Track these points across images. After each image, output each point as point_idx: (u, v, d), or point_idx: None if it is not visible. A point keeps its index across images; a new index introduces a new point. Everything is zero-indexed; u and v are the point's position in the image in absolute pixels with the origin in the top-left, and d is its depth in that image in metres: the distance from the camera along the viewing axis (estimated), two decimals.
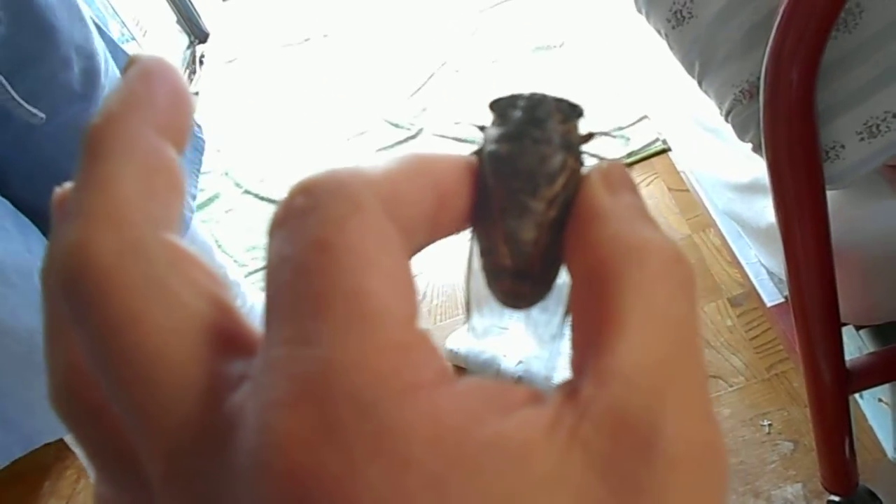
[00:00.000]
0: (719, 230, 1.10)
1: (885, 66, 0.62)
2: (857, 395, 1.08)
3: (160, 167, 0.17)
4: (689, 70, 0.72)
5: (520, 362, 1.30)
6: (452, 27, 2.50)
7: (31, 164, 0.79)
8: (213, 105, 2.58)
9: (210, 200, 2.10)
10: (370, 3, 2.81)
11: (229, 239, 1.94)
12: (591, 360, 0.15)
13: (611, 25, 1.72)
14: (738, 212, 0.91)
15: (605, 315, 0.16)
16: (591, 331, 0.16)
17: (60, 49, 0.76)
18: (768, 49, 0.59)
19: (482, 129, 0.20)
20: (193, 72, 2.83)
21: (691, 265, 0.16)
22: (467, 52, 2.36)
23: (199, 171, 0.99)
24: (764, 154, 0.66)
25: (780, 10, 0.57)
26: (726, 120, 0.72)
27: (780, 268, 0.84)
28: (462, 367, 1.32)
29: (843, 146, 0.66)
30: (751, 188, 0.86)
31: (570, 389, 0.15)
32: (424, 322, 0.17)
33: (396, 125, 2.16)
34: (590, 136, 0.20)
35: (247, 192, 2.11)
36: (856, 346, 0.94)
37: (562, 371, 1.25)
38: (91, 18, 0.85)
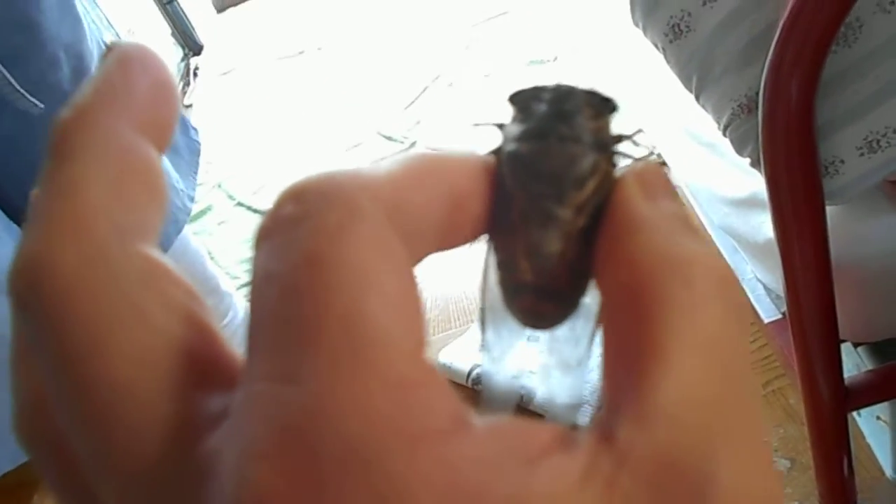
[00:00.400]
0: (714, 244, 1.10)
1: (885, 81, 0.62)
2: (855, 413, 1.07)
3: (136, 169, 0.14)
4: (687, 84, 0.72)
5: (541, 391, 1.27)
6: (446, 41, 2.50)
7: (21, 168, 0.78)
8: (206, 117, 2.57)
9: (202, 212, 2.09)
10: (365, 17, 2.81)
11: (222, 251, 1.92)
12: (629, 396, 0.13)
13: (605, 40, 1.72)
14: (735, 227, 0.90)
15: (644, 342, 0.13)
16: (628, 360, 0.13)
17: (47, 47, 0.75)
18: (767, 63, 0.59)
19: (501, 126, 0.18)
20: (187, 84, 2.82)
21: (741, 286, 0.14)
22: (461, 66, 2.36)
23: (196, 173, 0.97)
24: (762, 169, 0.65)
25: (780, 25, 0.57)
26: (724, 134, 0.71)
27: (777, 284, 0.83)
28: (457, 383, 1.31)
29: (842, 161, 0.66)
30: (747, 203, 0.85)
31: (604, 431, 0.13)
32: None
33: (390, 138, 2.16)
34: (624, 135, 0.17)
35: (239, 204, 2.10)
36: (854, 363, 0.93)
37: (589, 402, 1.23)
38: (90, 19, 0.83)
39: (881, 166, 0.65)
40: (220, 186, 2.18)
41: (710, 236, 1.09)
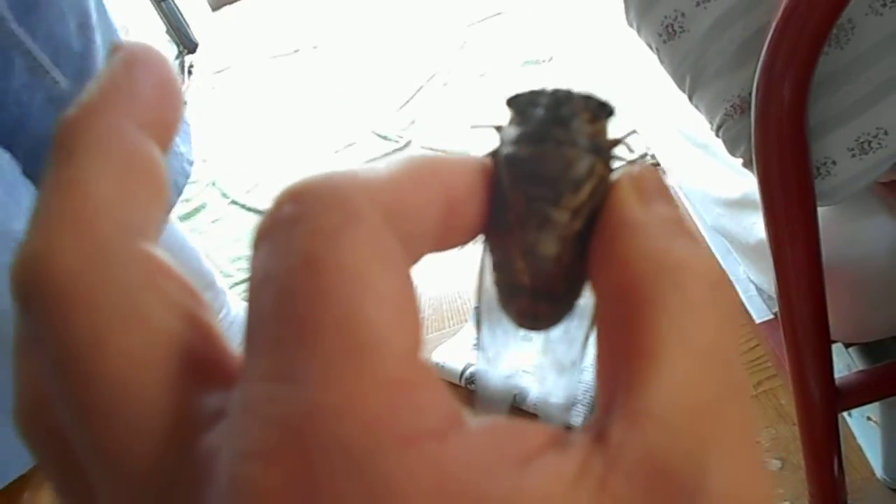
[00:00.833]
0: (708, 246, 1.10)
1: (877, 83, 0.62)
2: (845, 414, 1.08)
3: (139, 167, 0.15)
4: (680, 84, 0.72)
5: (535, 391, 1.27)
6: (441, 40, 2.50)
7: (33, 137, 0.76)
8: (201, 115, 2.57)
9: (196, 210, 2.08)
10: (360, 16, 2.81)
11: (215, 249, 1.92)
12: (621, 397, 0.13)
13: (600, 40, 1.73)
14: (727, 227, 0.91)
15: (637, 344, 0.14)
16: (621, 362, 0.14)
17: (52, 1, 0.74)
18: (760, 64, 0.59)
19: (498, 129, 0.18)
20: (182, 82, 2.82)
21: (734, 290, 0.15)
22: (456, 66, 2.36)
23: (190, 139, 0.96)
24: (754, 169, 0.66)
25: (772, 26, 0.57)
26: (717, 135, 0.72)
27: (769, 284, 0.83)
28: (450, 382, 1.31)
29: (834, 162, 0.66)
30: (740, 204, 0.86)
31: (597, 432, 0.13)
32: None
33: (385, 137, 2.16)
34: (620, 139, 0.18)
35: (234, 202, 2.09)
36: (845, 363, 0.93)
37: (582, 402, 1.23)
38: None
39: (873, 167, 0.66)
40: (214, 184, 2.17)
41: (703, 238, 1.10)
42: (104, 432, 0.13)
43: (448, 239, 0.16)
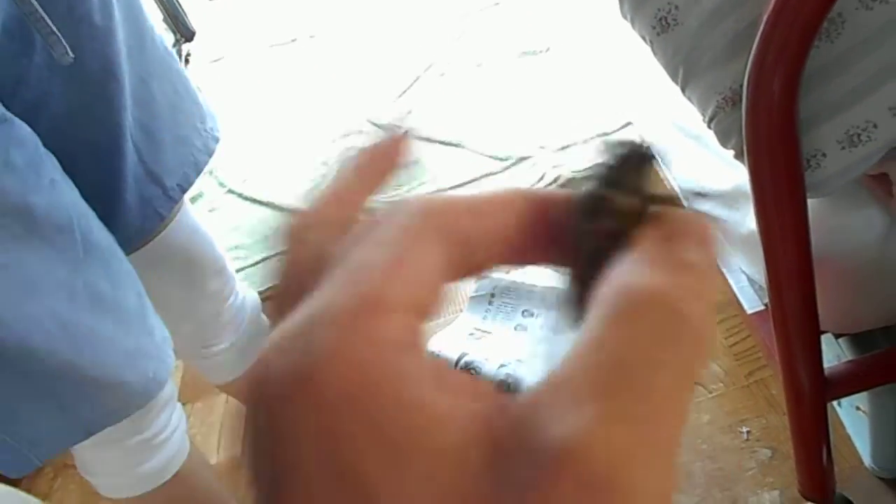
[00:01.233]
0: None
1: (867, 76, 0.63)
2: (835, 403, 1.09)
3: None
4: (673, 76, 0.72)
5: (503, 365, 1.30)
6: (438, 30, 2.50)
7: (54, 115, 0.74)
8: None
9: (193, 199, 2.08)
10: (357, 5, 2.80)
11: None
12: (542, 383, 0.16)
13: (597, 31, 1.73)
14: (720, 218, 0.91)
15: (581, 337, 0.16)
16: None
17: None
18: (751, 58, 0.60)
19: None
20: None
21: (685, 317, 0.16)
22: (453, 56, 2.36)
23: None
24: (745, 161, 0.66)
25: (763, 19, 0.58)
26: (709, 126, 0.72)
27: (760, 275, 0.84)
28: None
29: (824, 155, 0.67)
30: (732, 195, 0.87)
31: (514, 396, 0.16)
32: None
33: (381, 127, 2.16)
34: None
35: (230, 191, 2.09)
36: (834, 354, 0.94)
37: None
38: None
39: (862, 160, 0.66)
40: (211, 174, 2.17)
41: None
42: None
43: (519, 255, 0.19)
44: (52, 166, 0.71)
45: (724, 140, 0.72)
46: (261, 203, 2.01)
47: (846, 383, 0.86)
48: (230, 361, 1.07)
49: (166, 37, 2.89)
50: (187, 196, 0.94)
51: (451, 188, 1.85)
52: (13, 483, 1.48)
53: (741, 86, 0.63)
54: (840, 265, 0.77)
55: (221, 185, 2.12)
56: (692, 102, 0.73)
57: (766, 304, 0.96)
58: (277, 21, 2.90)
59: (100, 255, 0.73)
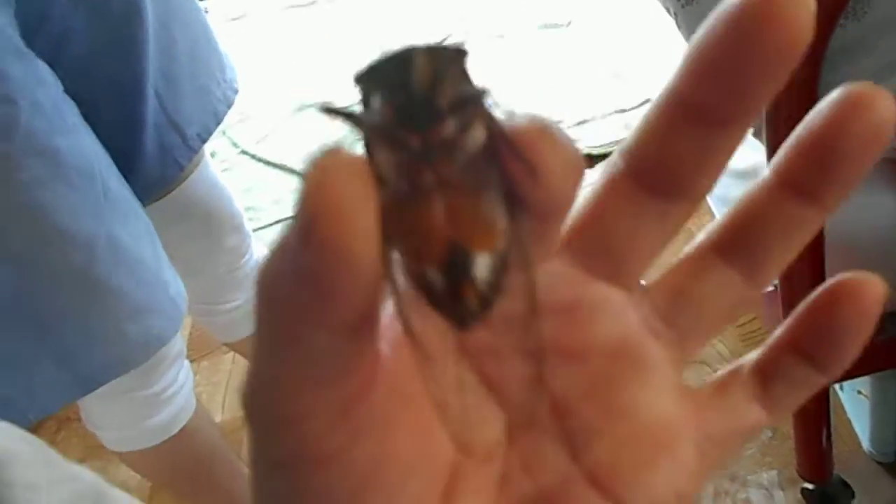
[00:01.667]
0: (714, 216, 1.11)
1: (892, 57, 0.62)
2: (836, 387, 1.10)
3: None
4: None
5: None
6: (459, 0, 2.48)
7: (76, 56, 0.73)
8: None
9: None
10: None
11: None
12: None
13: (619, 6, 1.71)
14: (735, 198, 0.91)
15: None
16: None
17: None
18: None
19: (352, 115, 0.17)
20: None
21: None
22: (473, 26, 2.34)
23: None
24: (764, 140, 0.66)
25: None
26: None
27: None
28: None
29: None
30: (749, 175, 0.86)
31: None
32: None
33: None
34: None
35: (244, 152, 2.10)
36: None
37: None
38: None
39: None
40: (224, 133, 2.17)
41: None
42: None
43: None
44: (73, 111, 0.70)
45: None
46: (274, 165, 2.02)
47: (848, 367, 0.86)
48: (241, 319, 1.08)
49: None
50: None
51: None
52: (52, 430, 1.50)
53: None
54: (850, 248, 0.77)
55: (235, 145, 2.12)
56: None
57: (775, 286, 0.96)
58: None
59: (119, 205, 0.73)
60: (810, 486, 0.97)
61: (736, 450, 0.21)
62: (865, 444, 1.06)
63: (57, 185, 0.66)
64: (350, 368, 0.15)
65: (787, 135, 0.65)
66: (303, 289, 0.13)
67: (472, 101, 0.15)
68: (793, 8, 0.15)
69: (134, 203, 0.76)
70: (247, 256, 1.05)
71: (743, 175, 0.88)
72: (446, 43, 0.16)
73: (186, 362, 0.92)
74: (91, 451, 1.36)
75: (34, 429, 1.50)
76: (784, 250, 0.20)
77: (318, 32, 2.55)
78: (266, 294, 0.14)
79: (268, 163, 2.03)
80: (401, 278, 0.15)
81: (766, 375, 0.21)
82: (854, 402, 1.08)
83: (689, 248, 0.21)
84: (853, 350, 0.19)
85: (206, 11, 2.84)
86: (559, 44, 2.15)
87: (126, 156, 0.78)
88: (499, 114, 0.15)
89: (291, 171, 1.97)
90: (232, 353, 1.50)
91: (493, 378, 0.20)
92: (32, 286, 0.69)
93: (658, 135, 0.18)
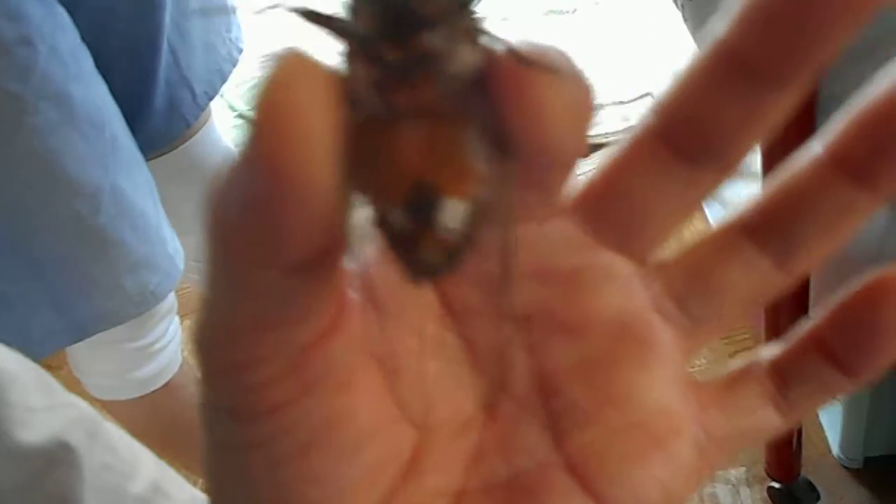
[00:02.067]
0: (704, 214, 1.11)
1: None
2: None
3: None
4: (700, 44, 0.72)
5: None
6: None
7: (92, 7, 0.71)
8: None
9: None
10: None
11: None
12: None
13: None
14: (726, 197, 0.92)
15: None
16: None
17: None
18: None
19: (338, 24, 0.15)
20: None
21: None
22: (478, 7, 2.32)
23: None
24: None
25: None
26: None
27: None
28: None
29: None
30: (740, 174, 0.87)
31: None
32: None
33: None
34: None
35: (240, 116, 2.08)
36: None
37: None
38: None
39: None
40: (221, 96, 2.15)
41: None
42: None
43: None
44: (88, 59, 0.70)
45: None
46: None
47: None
48: None
49: None
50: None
51: None
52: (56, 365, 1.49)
53: None
54: (838, 259, 0.78)
55: (232, 108, 2.11)
56: None
57: None
58: None
59: (124, 156, 0.73)
60: (777, 485, 0.99)
61: (736, 451, 0.19)
62: (835, 449, 1.07)
63: (68, 132, 0.66)
64: (303, 313, 0.14)
65: (782, 136, 0.65)
66: (250, 220, 0.12)
67: (463, 11, 0.14)
68: None
69: (138, 156, 0.76)
70: None
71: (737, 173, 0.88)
72: None
73: (176, 318, 0.93)
74: None
75: None
76: (825, 237, 0.18)
77: (323, 5, 2.53)
78: (213, 226, 0.13)
79: None
80: (364, 215, 0.13)
81: (785, 375, 0.19)
82: (826, 407, 1.09)
83: (714, 225, 0.19)
84: (889, 353, 0.17)
85: None
86: (564, 31, 2.14)
87: (134, 109, 0.77)
88: (496, 39, 0.13)
89: None
90: None
91: (474, 344, 0.18)
92: (34, 231, 0.69)
93: (698, 90, 0.16)
